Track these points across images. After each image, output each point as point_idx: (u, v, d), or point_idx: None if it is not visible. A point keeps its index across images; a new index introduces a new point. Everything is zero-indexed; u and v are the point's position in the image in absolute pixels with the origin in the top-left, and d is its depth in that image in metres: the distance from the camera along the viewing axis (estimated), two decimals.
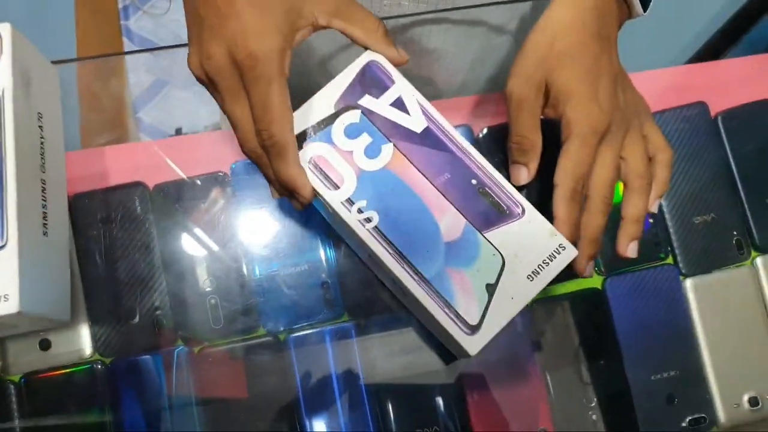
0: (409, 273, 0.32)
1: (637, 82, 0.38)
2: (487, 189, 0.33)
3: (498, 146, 0.43)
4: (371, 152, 0.33)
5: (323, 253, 0.41)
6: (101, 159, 0.42)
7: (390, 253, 0.33)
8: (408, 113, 0.34)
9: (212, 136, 0.44)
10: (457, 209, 0.33)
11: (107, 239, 0.40)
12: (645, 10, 0.37)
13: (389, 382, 0.40)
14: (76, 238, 0.40)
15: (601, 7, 0.35)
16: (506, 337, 0.41)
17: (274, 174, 0.32)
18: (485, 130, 0.43)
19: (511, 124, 0.36)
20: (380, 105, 0.34)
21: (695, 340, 0.42)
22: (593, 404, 0.41)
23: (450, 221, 0.33)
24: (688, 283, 0.43)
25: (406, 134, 0.34)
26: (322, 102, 0.34)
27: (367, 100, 0.34)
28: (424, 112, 0.34)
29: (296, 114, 0.33)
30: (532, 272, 0.33)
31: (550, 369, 0.41)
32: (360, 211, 0.33)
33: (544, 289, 0.33)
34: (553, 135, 0.36)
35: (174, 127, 1.24)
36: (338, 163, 0.33)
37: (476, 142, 0.43)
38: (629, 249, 0.36)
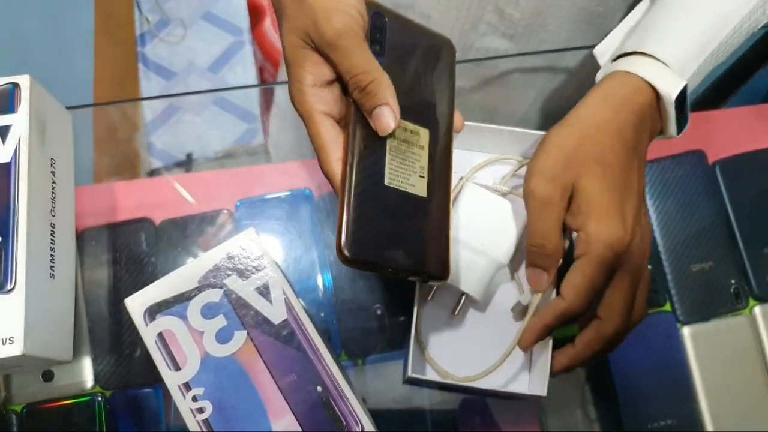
0: None
1: None
2: (330, 400, 0.32)
3: None
4: (223, 337, 0.32)
5: (321, 293, 0.42)
6: (111, 194, 0.43)
7: None
8: (270, 302, 0.33)
9: (219, 174, 0.45)
10: (295, 416, 0.31)
11: (113, 274, 0.41)
12: (679, 133, 0.34)
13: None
14: (84, 273, 0.41)
15: (641, 115, 0.32)
16: None
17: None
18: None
19: (531, 225, 0.33)
20: (245, 288, 0.33)
21: (693, 389, 0.42)
22: None
23: (285, 428, 0.31)
24: (686, 331, 0.43)
25: (263, 323, 0.32)
26: (188, 274, 0.33)
27: (232, 281, 0.33)
28: (287, 305, 0.33)
29: (159, 282, 0.33)
30: None
31: (547, 413, 0.41)
32: (195, 399, 0.31)
33: None
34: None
35: (185, 152, 1.26)
36: (186, 342, 0.32)
37: None
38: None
